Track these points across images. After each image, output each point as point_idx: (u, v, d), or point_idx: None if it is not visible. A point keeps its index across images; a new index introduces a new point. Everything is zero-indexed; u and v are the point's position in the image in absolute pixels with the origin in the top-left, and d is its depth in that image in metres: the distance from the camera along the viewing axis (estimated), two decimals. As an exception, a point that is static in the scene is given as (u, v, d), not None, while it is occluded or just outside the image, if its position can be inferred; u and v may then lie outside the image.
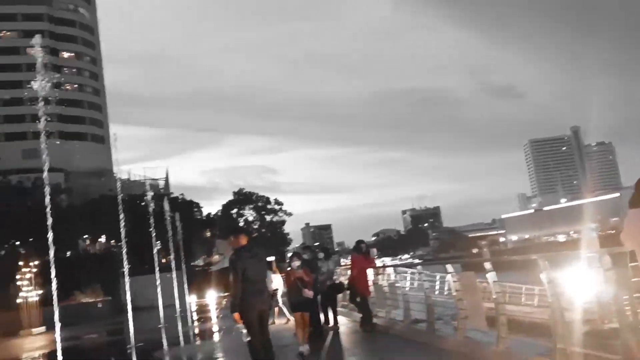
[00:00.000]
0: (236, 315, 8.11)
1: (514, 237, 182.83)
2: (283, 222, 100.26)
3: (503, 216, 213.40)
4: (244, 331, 8.08)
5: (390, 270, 15.38)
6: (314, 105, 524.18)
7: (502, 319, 8.17)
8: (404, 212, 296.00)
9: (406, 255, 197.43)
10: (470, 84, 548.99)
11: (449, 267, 10.34)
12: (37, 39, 8.59)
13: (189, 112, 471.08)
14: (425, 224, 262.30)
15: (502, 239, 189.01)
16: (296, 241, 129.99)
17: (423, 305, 11.88)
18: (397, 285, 15.20)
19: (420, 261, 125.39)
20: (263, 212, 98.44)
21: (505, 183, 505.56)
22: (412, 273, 23.06)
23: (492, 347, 8.38)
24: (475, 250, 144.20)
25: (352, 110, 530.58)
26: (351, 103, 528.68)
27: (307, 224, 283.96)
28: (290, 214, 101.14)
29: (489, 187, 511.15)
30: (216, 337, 19.01)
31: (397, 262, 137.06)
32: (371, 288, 14.40)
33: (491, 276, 8.30)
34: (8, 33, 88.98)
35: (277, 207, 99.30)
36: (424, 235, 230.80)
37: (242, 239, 8.43)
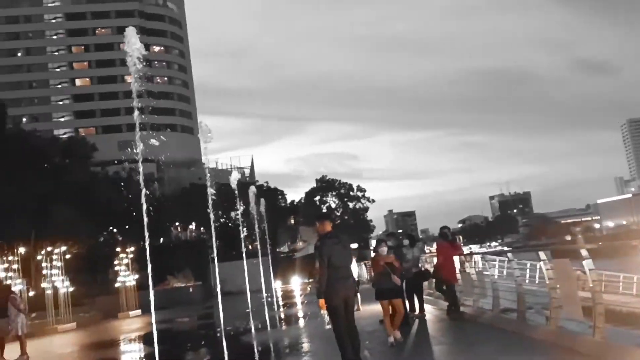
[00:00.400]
0: (321, 301, 8.13)
1: (610, 224, 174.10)
2: (366, 209, 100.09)
3: (599, 201, 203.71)
4: (327, 318, 8.11)
5: (477, 257, 15.03)
6: (393, 90, 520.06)
7: (599, 308, 7.78)
8: (491, 198, 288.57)
9: (494, 243, 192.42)
10: (557, 61, 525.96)
11: (542, 254, 9.94)
12: (131, 31, 8.84)
13: (272, 102, 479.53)
14: (515, 210, 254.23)
15: (597, 225, 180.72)
16: (379, 228, 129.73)
17: (513, 293, 11.52)
18: (485, 273, 14.85)
19: (509, 249, 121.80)
20: (346, 199, 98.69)
21: (600, 166, 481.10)
22: (501, 261, 22.49)
23: (587, 337, 8.02)
24: (568, 237, 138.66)
25: (433, 93, 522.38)
26: (431, 86, 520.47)
27: (390, 211, 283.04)
28: (373, 201, 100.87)
29: (582, 170, 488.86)
30: (301, 322, 19.28)
31: (485, 249, 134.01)
32: (458, 276, 14.13)
33: (587, 263, 7.91)
34: (103, 30, 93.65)
35: (359, 193, 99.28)
36: (513, 221, 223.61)
37: (327, 225, 8.44)
